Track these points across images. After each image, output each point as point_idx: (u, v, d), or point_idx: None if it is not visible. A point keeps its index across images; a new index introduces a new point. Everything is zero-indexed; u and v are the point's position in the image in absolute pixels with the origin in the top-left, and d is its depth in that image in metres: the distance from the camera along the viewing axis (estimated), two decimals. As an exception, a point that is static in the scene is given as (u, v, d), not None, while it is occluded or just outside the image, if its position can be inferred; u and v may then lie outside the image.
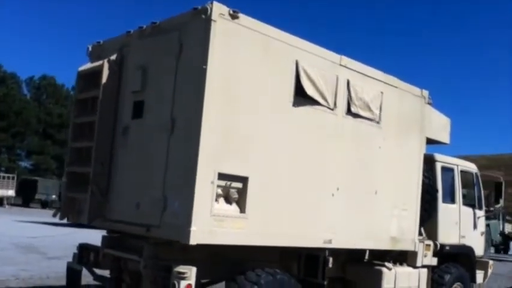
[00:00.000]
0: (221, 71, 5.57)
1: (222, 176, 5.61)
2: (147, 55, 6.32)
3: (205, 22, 5.52)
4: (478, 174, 10.11)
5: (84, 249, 7.08)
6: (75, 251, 7.22)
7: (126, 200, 6.25)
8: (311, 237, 6.60)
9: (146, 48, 6.37)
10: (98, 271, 7.15)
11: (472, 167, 9.99)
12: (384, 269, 7.79)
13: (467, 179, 9.84)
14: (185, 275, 5.49)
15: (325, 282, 6.87)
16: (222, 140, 5.60)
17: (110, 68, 6.62)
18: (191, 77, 5.65)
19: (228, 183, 5.73)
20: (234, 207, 5.82)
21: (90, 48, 7.37)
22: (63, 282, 10.87)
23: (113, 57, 6.67)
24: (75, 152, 7.10)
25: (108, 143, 6.60)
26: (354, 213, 7.11)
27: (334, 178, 6.84)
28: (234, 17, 5.70)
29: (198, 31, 5.63)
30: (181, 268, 5.53)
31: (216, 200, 5.61)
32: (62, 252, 15.68)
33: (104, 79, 6.58)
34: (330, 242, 6.77)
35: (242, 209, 5.84)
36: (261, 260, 6.40)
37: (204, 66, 5.45)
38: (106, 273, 7.23)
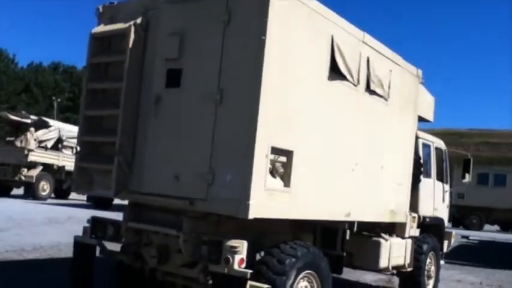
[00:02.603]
0: (277, 43, 5.46)
1: (273, 150, 5.56)
2: (184, 21, 5.98)
3: None
4: (447, 151, 10.79)
5: (98, 223, 6.69)
6: (86, 224, 6.78)
7: (161, 173, 5.97)
8: (336, 211, 6.74)
9: (182, 13, 6.04)
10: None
11: (442, 144, 10.65)
12: (382, 240, 8.16)
13: (439, 155, 10.48)
14: (237, 249, 5.43)
15: (344, 254, 7.10)
16: (275, 114, 5.52)
17: (135, 32, 6.23)
18: (245, 47, 5.46)
19: (276, 157, 5.69)
20: (278, 181, 5.79)
21: (100, 9, 6.84)
22: (28, 255, 10.35)
23: (138, 20, 6.27)
24: (88, 120, 6.66)
25: (134, 112, 6.24)
26: (366, 188, 7.34)
27: (354, 153, 7.01)
28: None
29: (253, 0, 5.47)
30: (233, 242, 5.46)
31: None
32: (3, 224, 14.77)
33: (130, 44, 6.18)
34: (349, 215, 6.97)
35: (286, 183, 5.82)
36: (273, 232, 6.45)
37: (263, 37, 5.31)
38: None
